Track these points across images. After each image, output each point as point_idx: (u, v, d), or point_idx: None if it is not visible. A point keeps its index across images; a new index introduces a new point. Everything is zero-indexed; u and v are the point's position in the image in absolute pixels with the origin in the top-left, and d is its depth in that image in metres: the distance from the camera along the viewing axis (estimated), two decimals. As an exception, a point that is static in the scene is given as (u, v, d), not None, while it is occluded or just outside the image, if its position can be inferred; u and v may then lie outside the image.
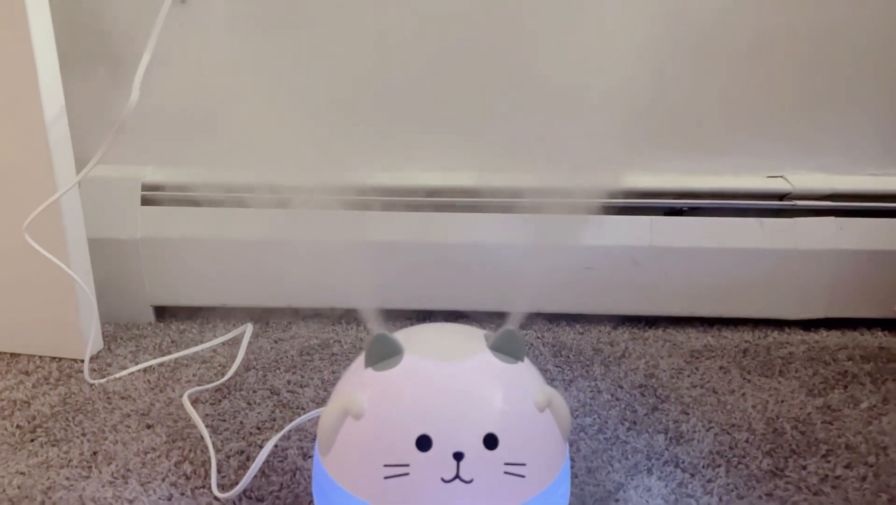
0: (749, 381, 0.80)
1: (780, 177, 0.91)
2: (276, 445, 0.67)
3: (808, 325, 0.91)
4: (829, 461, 0.67)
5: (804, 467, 0.67)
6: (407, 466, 0.46)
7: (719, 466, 0.67)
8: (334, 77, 0.85)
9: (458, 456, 0.46)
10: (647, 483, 0.65)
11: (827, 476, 0.66)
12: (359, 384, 0.50)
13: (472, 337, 0.53)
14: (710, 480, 0.65)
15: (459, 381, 0.49)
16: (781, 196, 0.90)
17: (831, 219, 0.89)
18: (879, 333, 0.90)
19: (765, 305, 0.91)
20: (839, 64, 0.87)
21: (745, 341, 0.88)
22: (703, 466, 0.67)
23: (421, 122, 0.90)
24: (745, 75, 0.87)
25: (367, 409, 0.48)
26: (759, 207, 0.89)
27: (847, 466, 0.67)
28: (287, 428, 0.68)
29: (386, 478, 0.46)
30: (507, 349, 0.51)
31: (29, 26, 0.69)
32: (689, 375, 0.81)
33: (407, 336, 0.52)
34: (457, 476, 0.46)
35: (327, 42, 0.85)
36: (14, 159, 0.73)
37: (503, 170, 0.90)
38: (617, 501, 0.63)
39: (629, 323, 0.91)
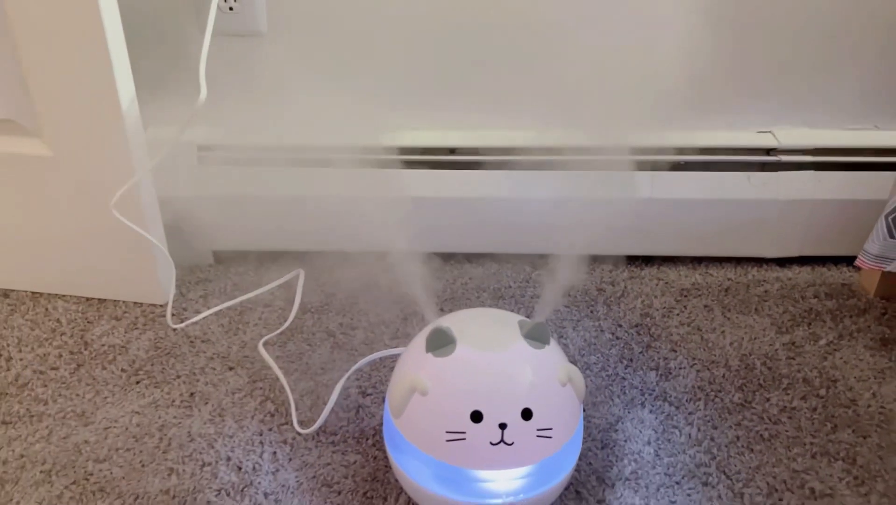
0: (729, 318, 0.95)
1: (769, 132, 1.01)
2: (342, 389, 0.82)
3: (784, 262, 1.05)
4: (788, 394, 0.83)
5: (768, 400, 0.83)
6: (464, 433, 0.61)
7: (699, 399, 0.83)
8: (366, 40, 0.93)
9: (503, 426, 0.61)
10: (640, 416, 0.81)
11: (785, 407, 0.82)
12: (422, 367, 0.64)
13: (509, 325, 0.66)
14: (691, 413, 0.81)
15: (502, 367, 0.63)
16: (768, 151, 1.01)
17: (810, 172, 1.00)
18: (844, 269, 1.04)
19: (746, 245, 1.04)
20: (825, 26, 0.96)
21: (728, 279, 1.02)
22: (687, 400, 0.83)
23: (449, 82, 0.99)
24: (740, 38, 0.96)
25: (430, 388, 0.62)
26: (748, 162, 1.00)
27: (802, 398, 0.83)
28: (350, 371, 0.83)
29: (447, 441, 0.61)
30: (537, 337, 0.64)
31: (104, 26, 0.77)
32: (678, 314, 0.95)
33: (457, 325, 0.65)
34: (501, 440, 0.61)
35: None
36: (97, 145, 0.83)
37: (519, 129, 1.01)
38: (616, 431, 0.79)
39: (628, 262, 1.05)
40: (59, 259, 0.93)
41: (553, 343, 0.67)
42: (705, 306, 0.97)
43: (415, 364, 0.65)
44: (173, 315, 0.93)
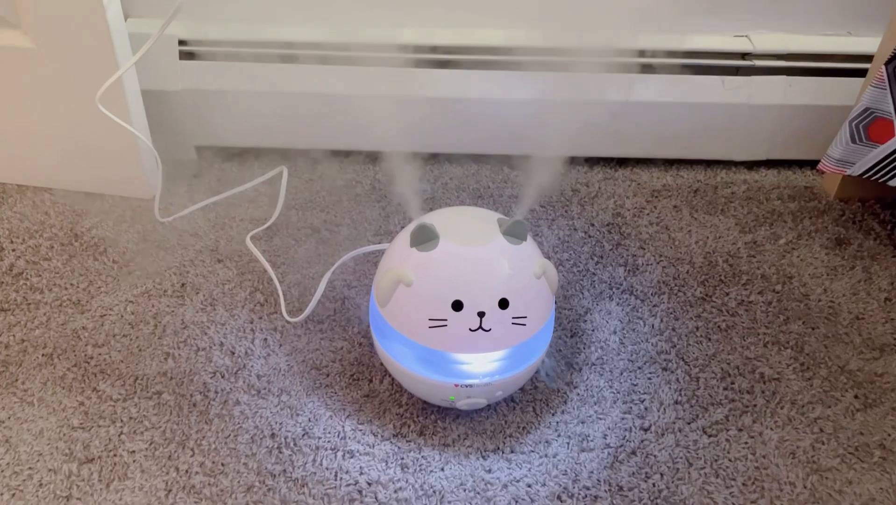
0: (696, 219, 0.99)
1: (745, 36, 1.03)
2: (328, 281, 0.86)
3: (751, 165, 1.09)
4: (746, 289, 0.89)
5: (727, 294, 0.88)
6: (445, 320, 0.65)
7: (664, 293, 0.88)
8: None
9: (481, 314, 0.65)
10: (608, 308, 0.86)
11: (743, 301, 0.88)
12: (407, 260, 0.68)
13: (489, 222, 0.70)
14: (655, 305, 0.87)
15: (482, 260, 0.67)
16: (743, 55, 1.03)
17: (782, 77, 1.03)
18: (809, 173, 1.09)
19: (716, 148, 1.07)
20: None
21: (698, 181, 1.06)
22: (652, 294, 0.88)
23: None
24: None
25: (415, 279, 0.66)
26: (723, 66, 1.03)
27: (759, 293, 0.89)
28: (336, 265, 0.87)
29: (430, 327, 0.66)
30: (515, 233, 0.68)
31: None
32: (648, 214, 1.00)
33: (440, 222, 0.69)
34: (479, 327, 0.65)
35: None
36: (79, 37, 0.83)
37: (499, 28, 1.01)
38: (585, 322, 0.84)
39: (602, 164, 1.08)
40: (44, 153, 0.94)
41: (530, 240, 0.71)
42: (674, 207, 1.01)
43: (400, 258, 0.69)
44: (160, 209, 0.95)
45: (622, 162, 1.09)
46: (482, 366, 0.68)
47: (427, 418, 0.73)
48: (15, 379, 0.75)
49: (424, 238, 0.67)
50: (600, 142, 1.06)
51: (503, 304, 0.66)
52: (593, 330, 0.83)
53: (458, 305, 0.65)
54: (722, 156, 1.08)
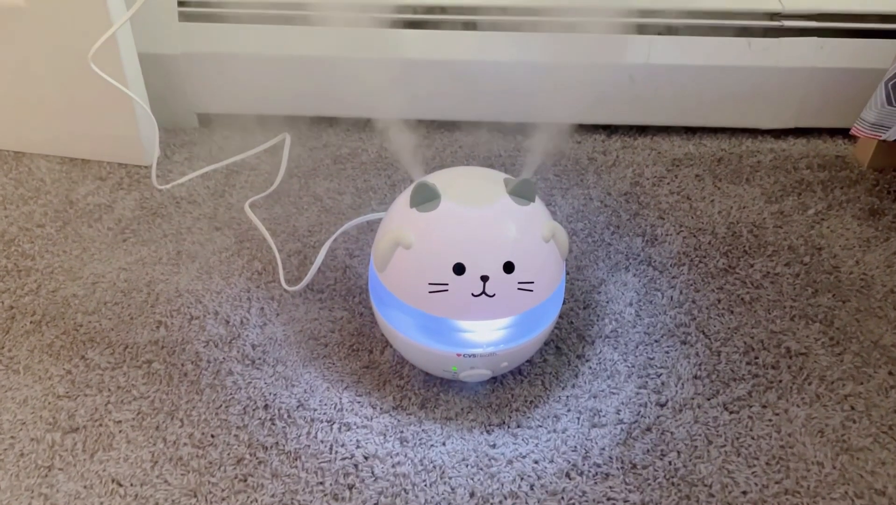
0: (719, 188, 0.94)
1: (774, -5, 0.97)
2: (329, 249, 0.83)
3: (778, 133, 1.03)
4: (772, 260, 0.84)
5: (752, 266, 0.83)
6: (446, 284, 0.61)
7: (684, 264, 0.83)
8: None
9: (485, 278, 0.61)
10: (624, 279, 0.82)
11: (768, 273, 0.82)
12: (406, 221, 0.64)
13: (494, 182, 0.66)
14: (674, 277, 0.82)
15: (486, 221, 0.63)
16: (772, 15, 0.97)
17: (814, 39, 0.97)
18: (840, 142, 1.03)
19: (742, 115, 1.02)
20: None
21: (722, 149, 1.01)
22: (671, 265, 0.83)
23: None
24: None
25: (414, 241, 0.62)
26: (749, 27, 0.97)
27: (786, 265, 0.83)
28: (337, 233, 0.83)
29: (430, 292, 0.62)
30: (522, 193, 0.64)
31: None
32: (668, 183, 0.95)
33: (442, 181, 0.65)
34: (483, 292, 0.61)
35: None
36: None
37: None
38: (599, 293, 0.80)
39: (621, 132, 1.03)
40: (39, 117, 0.91)
41: (538, 201, 0.66)
42: (696, 176, 0.96)
43: (399, 219, 0.65)
44: (158, 177, 0.92)
45: (642, 130, 1.03)
46: (486, 334, 0.64)
47: (429, 391, 0.69)
48: (1, 347, 0.72)
49: (425, 197, 0.63)
50: (619, 108, 1.01)
51: (508, 267, 0.61)
52: (608, 302, 0.79)
53: (459, 269, 0.61)
54: (747, 123, 1.03)
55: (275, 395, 0.68)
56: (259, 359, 0.71)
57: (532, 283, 0.63)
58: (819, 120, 1.02)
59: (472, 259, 0.61)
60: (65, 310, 0.75)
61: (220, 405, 0.67)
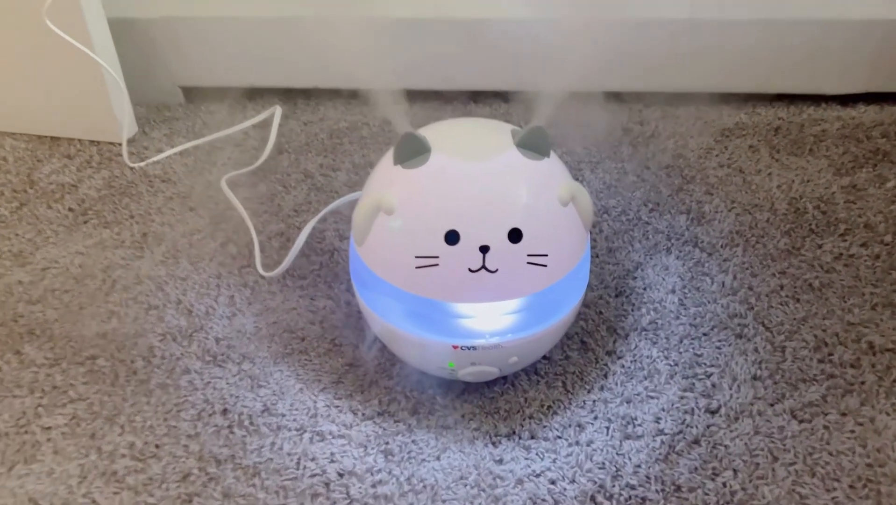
0: (777, 160, 0.80)
1: (839, -63, 0.83)
2: (313, 228, 0.71)
3: (846, 100, 0.89)
4: (845, 240, 0.70)
5: (820, 246, 0.69)
6: (437, 257, 0.49)
7: (737, 245, 0.69)
8: None
9: (484, 249, 0.48)
10: (665, 262, 0.68)
11: (841, 254, 0.68)
12: (389, 182, 0.52)
13: (498, 133, 0.53)
14: (726, 260, 0.68)
15: (486, 178, 0.50)
16: (837, -41, 0.83)
17: (888, -15, 0.83)
18: (920, 108, 0.88)
19: (802, 79, 0.88)
20: None
21: (779, 118, 0.86)
22: (722, 246, 0.70)
23: None
24: None
25: (398, 205, 0.50)
26: (811, -27, 0.83)
27: (863, 245, 0.69)
28: (324, 211, 0.72)
29: (418, 267, 0.49)
30: (533, 145, 0.51)
31: None
32: (717, 155, 0.81)
33: (434, 133, 0.53)
34: (483, 267, 0.49)
35: None
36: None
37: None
38: (635, 279, 0.67)
39: (661, 100, 0.89)
40: (2, 92, 0.82)
41: (554, 156, 0.54)
42: (750, 147, 0.82)
43: (381, 180, 0.53)
44: (133, 154, 0.82)
45: (685, 98, 0.90)
46: (489, 321, 0.51)
47: (423, 394, 0.57)
48: (-72, 340, 0.62)
49: (411, 151, 0.51)
50: (657, 73, 0.88)
51: (515, 236, 0.49)
52: (645, 288, 0.65)
53: (453, 238, 0.48)
54: (809, 89, 0.88)
55: (237, 397, 0.57)
56: (222, 355, 0.60)
57: (545, 255, 0.50)
58: (895, 83, 0.88)
59: (468, 225, 0.49)
60: (5, 299, 0.65)
61: (171, 409, 0.56)
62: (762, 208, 0.74)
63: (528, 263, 0.49)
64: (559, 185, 0.51)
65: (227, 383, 0.58)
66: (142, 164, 0.80)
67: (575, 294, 0.55)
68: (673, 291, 0.65)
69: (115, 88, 0.80)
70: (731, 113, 0.88)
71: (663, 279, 0.66)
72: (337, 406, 0.56)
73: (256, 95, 0.90)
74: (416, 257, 0.49)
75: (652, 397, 0.56)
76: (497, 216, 0.49)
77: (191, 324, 0.62)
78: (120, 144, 0.82)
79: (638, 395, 0.57)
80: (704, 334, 0.61)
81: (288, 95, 0.90)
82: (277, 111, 0.85)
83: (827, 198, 0.75)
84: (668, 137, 0.84)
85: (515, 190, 0.50)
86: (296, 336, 0.61)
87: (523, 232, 0.49)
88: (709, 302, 0.64)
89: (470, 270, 0.49)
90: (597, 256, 0.69)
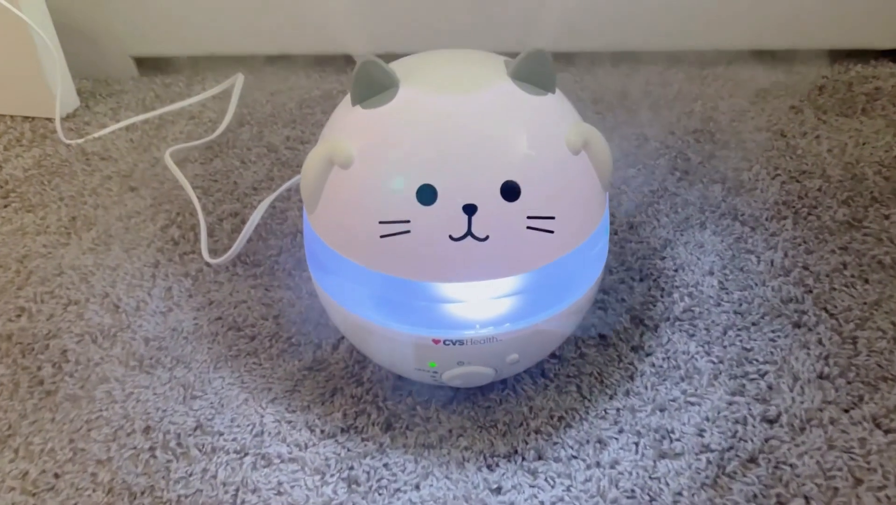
0: (825, 121, 0.68)
1: None
2: (274, 207, 0.60)
3: (900, 55, 0.77)
4: (916, 210, 0.57)
5: (886, 217, 0.57)
6: (407, 222, 0.37)
7: (785, 217, 0.57)
8: None
9: (470, 209, 0.36)
10: (699, 238, 0.56)
11: (913, 227, 0.56)
12: (345, 127, 0.40)
13: (487, 64, 0.41)
14: (774, 234, 0.56)
15: (471, 117, 0.38)
16: None
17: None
18: None
19: (846, 33, 0.75)
20: None
21: (822, 77, 0.74)
22: (767, 219, 0.57)
23: None
24: None
25: (357, 156, 0.38)
26: None
27: (938, 215, 0.57)
28: (285, 186, 0.60)
29: (383, 236, 0.37)
30: (533, 77, 0.39)
31: None
32: (753, 118, 0.69)
33: (404, 66, 0.41)
34: (468, 233, 0.37)
35: None
36: None
37: None
38: (663, 258, 0.54)
39: (684, 62, 0.77)
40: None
41: (560, 94, 0.42)
42: (791, 108, 0.70)
43: (336, 127, 0.41)
44: (71, 130, 0.71)
45: (709, 58, 0.78)
46: (479, 307, 0.39)
47: (400, 403, 0.45)
48: None
49: (372, 85, 0.39)
50: (678, 31, 0.76)
51: (510, 192, 0.37)
52: (676, 270, 0.53)
53: (428, 195, 0.37)
54: (855, 44, 0.76)
55: (164, 411, 0.45)
56: (151, 359, 0.48)
57: (551, 218, 0.38)
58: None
59: (448, 178, 0.37)
60: None
61: (80, 428, 0.44)
62: (812, 175, 0.61)
63: (529, 228, 0.37)
64: (568, 127, 0.39)
65: (154, 394, 0.46)
66: (79, 140, 0.69)
67: (591, 271, 0.42)
68: (711, 273, 0.53)
69: (48, 57, 0.69)
70: (764, 72, 0.76)
71: (698, 259, 0.54)
72: (289, 421, 0.44)
73: (220, 65, 0.78)
74: (381, 223, 0.37)
75: (692, 404, 0.44)
76: (486, 166, 0.37)
77: (116, 322, 0.50)
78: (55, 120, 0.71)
79: (674, 401, 0.44)
80: (753, 324, 0.49)
81: (254, 64, 0.78)
82: (239, 79, 0.74)
83: (889, 162, 0.62)
84: (694, 100, 0.72)
85: (510, 132, 0.38)
86: (244, 335, 0.50)
87: (521, 187, 0.37)
88: (756, 284, 0.52)
89: (452, 237, 0.37)
90: (615, 234, 0.56)
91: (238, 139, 0.69)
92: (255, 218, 0.56)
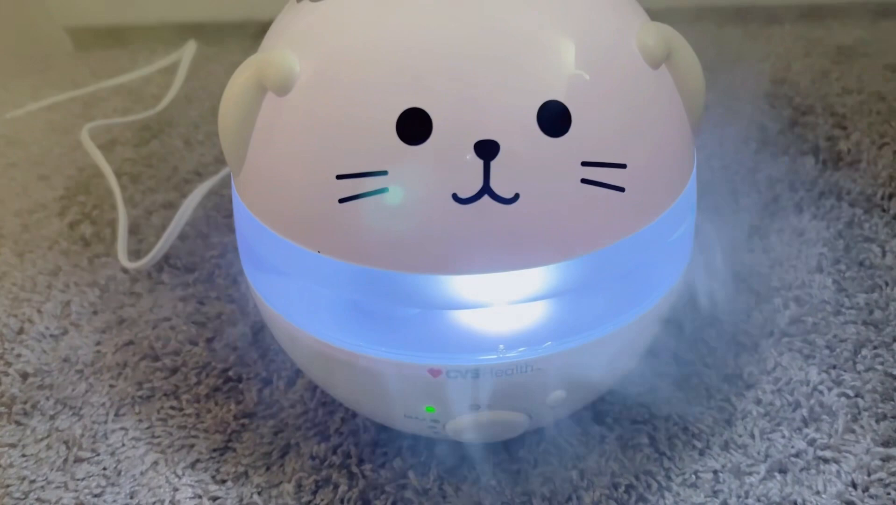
0: (932, 81, 0.53)
1: None
2: (219, 195, 0.45)
3: None
4: None
5: None
6: (383, 174, 0.22)
7: (908, 195, 0.42)
8: None
9: (488, 149, 0.22)
10: (795, 224, 0.41)
11: None
12: (283, 32, 0.25)
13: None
14: (897, 217, 0.41)
15: (482, 5, 0.23)
16: None
17: None
18: None
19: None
20: None
21: (916, 32, 0.60)
22: (883, 197, 0.42)
23: None
24: None
25: (301, 73, 0.23)
26: None
27: None
28: (226, 170, 0.45)
29: (342, 201, 0.23)
30: (581, -54, 0.25)
31: None
32: (839, 79, 0.54)
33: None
34: (485, 189, 0.22)
35: None
36: None
37: None
38: (751, 251, 0.39)
39: (742, 18, 0.63)
40: None
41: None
42: (886, 67, 0.55)
43: (274, 35, 0.27)
44: (-21, 112, 0.57)
45: (775, 15, 0.64)
46: (504, 315, 0.24)
47: (382, 469, 0.30)
48: None
49: (326, -38, 0.24)
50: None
51: (554, 121, 0.22)
52: (772, 266, 0.38)
53: (416, 127, 0.22)
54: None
55: (32, 483, 0.30)
56: (26, 403, 0.33)
57: (622, 166, 0.23)
58: None
59: (448, 100, 0.22)
60: None
61: None
62: (931, 143, 0.47)
63: (585, 180, 0.23)
64: (639, 26, 0.25)
65: (23, 455, 0.31)
66: (-16, 124, 0.55)
67: (676, 259, 0.27)
68: (820, 269, 0.38)
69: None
70: (844, 29, 0.62)
71: (798, 251, 0.39)
72: (215, 498, 0.29)
73: (168, 34, 0.64)
74: (340, 178, 0.23)
75: (826, 461, 0.29)
76: (512, 79, 0.22)
77: (-15, 350, 0.36)
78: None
79: (798, 456, 0.29)
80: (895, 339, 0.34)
81: (213, 32, 0.64)
82: (190, 47, 0.59)
83: None
84: (762, 60, 0.57)
85: (547, 28, 0.24)
86: (162, 366, 0.35)
87: (572, 113, 0.22)
88: (888, 284, 0.37)
89: (457, 198, 0.22)
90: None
91: (185, 116, 0.54)
92: (187, 207, 0.41)
